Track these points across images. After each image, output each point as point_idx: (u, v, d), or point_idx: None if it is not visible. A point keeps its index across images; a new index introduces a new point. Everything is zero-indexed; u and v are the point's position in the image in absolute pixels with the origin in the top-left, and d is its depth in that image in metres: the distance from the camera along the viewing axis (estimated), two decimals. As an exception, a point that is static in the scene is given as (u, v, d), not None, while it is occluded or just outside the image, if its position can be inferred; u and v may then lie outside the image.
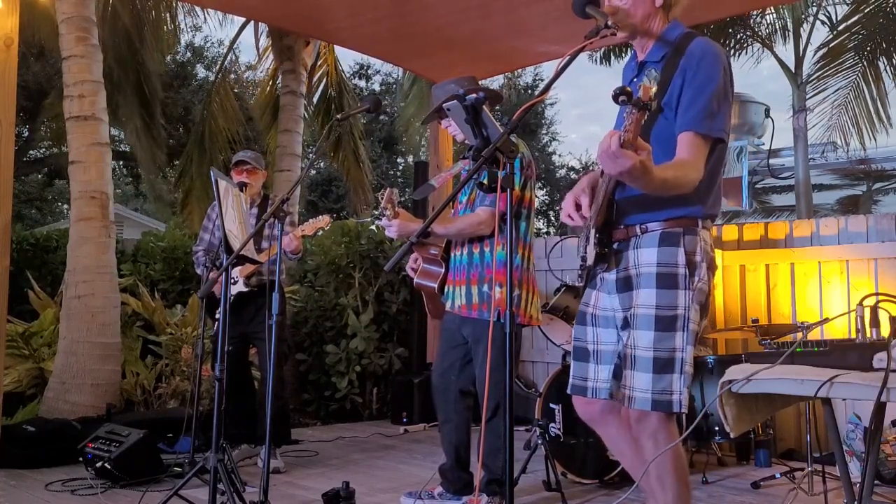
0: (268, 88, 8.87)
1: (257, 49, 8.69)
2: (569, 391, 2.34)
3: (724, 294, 4.98)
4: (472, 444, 3.39)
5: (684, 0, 2.22)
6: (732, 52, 9.99)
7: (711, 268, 2.19)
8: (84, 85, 5.09)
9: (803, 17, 9.85)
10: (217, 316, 4.32)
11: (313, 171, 17.32)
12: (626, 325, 2.18)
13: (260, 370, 4.70)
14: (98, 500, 3.51)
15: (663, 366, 2.10)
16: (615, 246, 2.23)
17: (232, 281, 4.28)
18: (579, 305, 2.38)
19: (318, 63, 8.58)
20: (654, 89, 1.71)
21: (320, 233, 4.20)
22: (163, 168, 10.05)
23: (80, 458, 3.88)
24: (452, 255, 3.37)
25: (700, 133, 2.06)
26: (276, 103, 8.29)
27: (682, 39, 2.13)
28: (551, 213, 21.29)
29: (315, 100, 8.90)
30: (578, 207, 2.22)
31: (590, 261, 2.27)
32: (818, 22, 9.82)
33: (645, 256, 2.16)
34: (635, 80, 2.23)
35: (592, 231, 2.23)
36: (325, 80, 8.75)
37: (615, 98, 1.71)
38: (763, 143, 10.90)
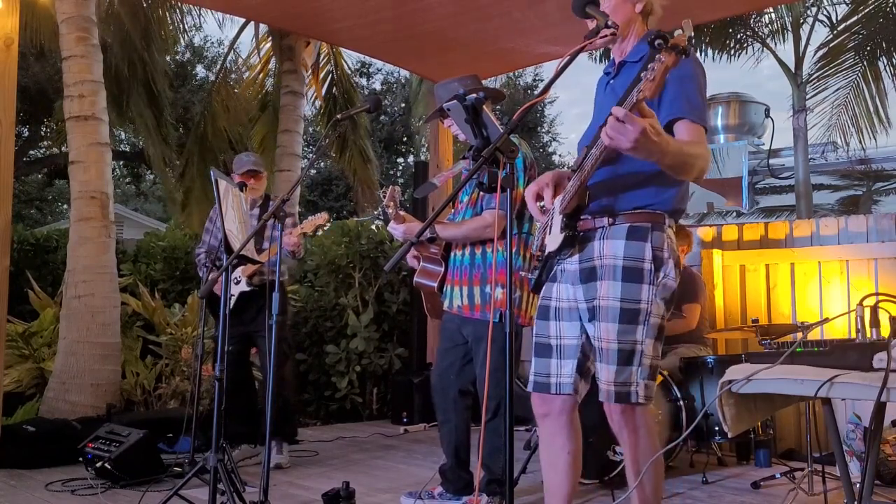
0: (261, 88, 8.88)
1: (258, 49, 8.70)
2: (529, 389, 2.33)
3: (724, 294, 4.99)
4: (471, 444, 3.39)
5: (659, 11, 2.32)
6: (732, 52, 9.99)
7: (678, 264, 2.24)
8: (84, 85, 5.09)
9: (803, 16, 9.84)
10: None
11: (313, 171, 17.32)
12: (593, 317, 2.20)
13: (261, 370, 4.70)
14: (98, 500, 3.51)
15: (625, 358, 2.14)
16: (580, 234, 2.24)
17: (235, 281, 4.31)
18: (539, 300, 2.38)
19: (323, 63, 8.59)
20: (687, 36, 1.76)
21: (320, 232, 4.23)
22: (171, 166, 10.07)
23: (80, 458, 3.88)
24: (453, 254, 3.37)
25: (694, 121, 2.12)
26: (275, 103, 8.29)
27: None
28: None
29: (322, 99, 8.90)
30: (539, 198, 2.26)
31: (553, 247, 2.28)
32: (818, 22, 9.81)
33: (611, 248, 2.19)
34: (612, 81, 2.31)
35: (559, 218, 2.26)
36: (329, 78, 8.75)
37: (651, 42, 1.74)
38: (763, 143, 10.92)
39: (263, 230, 4.24)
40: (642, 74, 1.79)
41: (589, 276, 2.22)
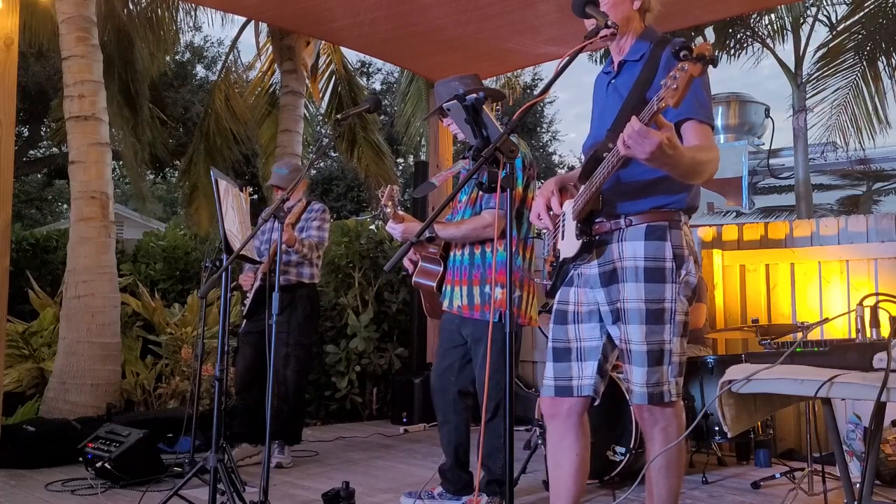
0: (268, 88, 8.89)
1: (258, 49, 8.70)
2: (550, 394, 2.31)
3: (724, 294, 4.99)
4: (471, 444, 3.39)
5: (657, 8, 2.30)
6: (732, 51, 9.99)
7: (697, 261, 2.25)
8: (84, 85, 5.09)
9: (803, 17, 9.84)
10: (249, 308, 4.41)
11: (313, 171, 17.32)
12: (617, 319, 2.20)
13: (275, 373, 4.71)
14: (98, 500, 3.51)
15: (655, 359, 2.15)
16: (597, 238, 2.24)
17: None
18: (555, 304, 2.36)
19: (326, 62, 8.60)
20: (710, 46, 1.75)
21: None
22: (144, 167, 10.07)
23: (80, 458, 3.88)
24: (452, 254, 3.37)
25: (701, 121, 2.13)
26: (275, 103, 8.30)
27: (661, 40, 2.20)
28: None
29: (326, 99, 8.90)
30: (549, 209, 2.26)
31: (569, 254, 2.27)
32: (818, 22, 9.81)
33: (630, 250, 2.19)
34: (614, 80, 2.29)
35: (572, 224, 2.25)
36: (332, 78, 8.76)
37: (676, 53, 1.73)
38: (763, 143, 10.92)
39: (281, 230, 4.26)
40: (663, 83, 1.78)
41: (610, 278, 2.21)
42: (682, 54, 1.73)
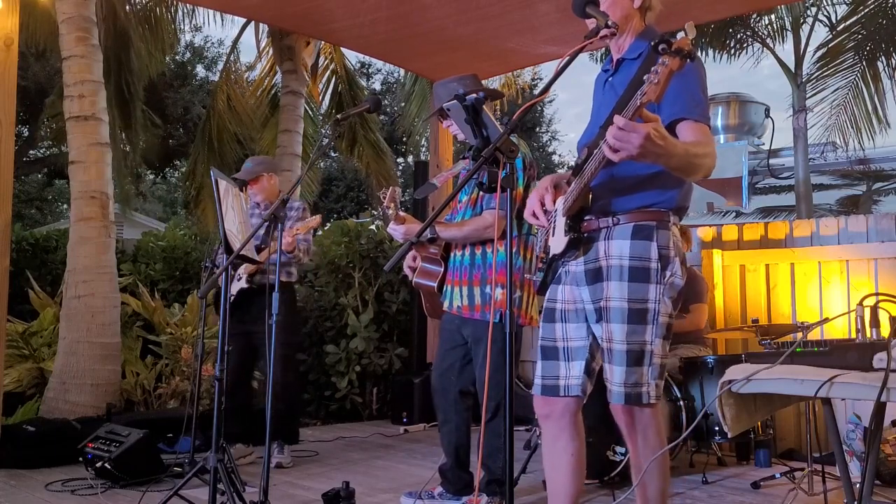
0: (269, 89, 8.89)
1: (258, 50, 8.71)
2: (538, 392, 2.30)
3: (724, 294, 4.99)
4: (471, 444, 3.39)
5: (658, 7, 2.29)
6: (732, 52, 9.99)
7: (684, 262, 2.22)
8: (84, 85, 5.09)
9: (803, 17, 9.84)
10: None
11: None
12: (601, 317, 2.18)
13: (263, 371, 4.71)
14: (98, 500, 3.51)
15: (635, 359, 2.13)
16: (585, 235, 2.23)
17: (237, 278, 4.34)
18: (545, 303, 2.36)
19: (325, 62, 8.60)
20: (690, 38, 1.74)
21: (319, 233, 4.28)
22: (143, 168, 10.08)
23: (80, 458, 3.88)
24: (452, 254, 3.37)
25: (696, 119, 2.10)
26: (276, 103, 8.31)
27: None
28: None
29: (326, 99, 8.91)
30: (543, 206, 2.26)
31: (558, 250, 2.27)
32: (818, 22, 9.81)
33: (616, 248, 2.17)
34: (611, 78, 2.28)
35: (563, 220, 2.25)
36: (333, 78, 8.77)
37: (655, 47, 1.73)
38: (763, 143, 10.92)
39: (269, 230, 4.26)
40: (645, 77, 1.77)
41: (595, 276, 2.20)
42: (660, 48, 1.73)
